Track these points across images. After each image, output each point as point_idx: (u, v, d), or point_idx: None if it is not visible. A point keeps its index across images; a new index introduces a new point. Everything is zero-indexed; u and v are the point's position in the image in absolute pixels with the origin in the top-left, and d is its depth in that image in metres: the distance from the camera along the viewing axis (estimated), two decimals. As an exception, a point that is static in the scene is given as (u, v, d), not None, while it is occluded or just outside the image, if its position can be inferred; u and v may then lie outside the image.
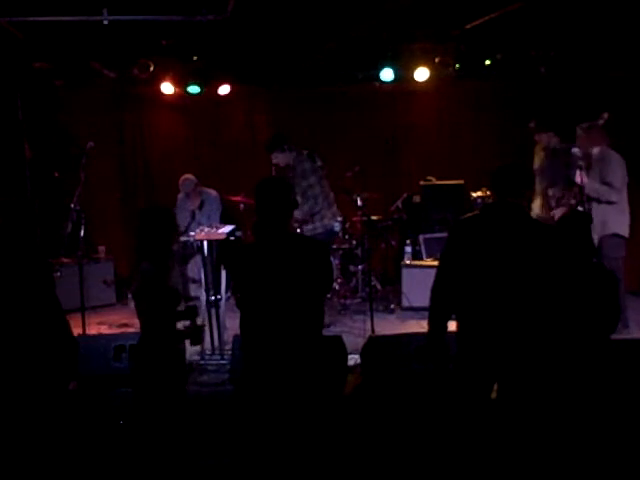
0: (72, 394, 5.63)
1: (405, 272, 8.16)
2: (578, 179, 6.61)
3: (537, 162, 7.62)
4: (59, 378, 4.24)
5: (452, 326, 4.25)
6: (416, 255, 8.40)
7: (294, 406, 4.04)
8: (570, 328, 4.23)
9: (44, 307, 4.19)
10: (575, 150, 6.69)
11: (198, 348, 6.39)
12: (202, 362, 6.30)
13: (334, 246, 8.23)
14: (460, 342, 4.17)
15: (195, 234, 6.54)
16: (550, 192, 7.34)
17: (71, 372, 4.36)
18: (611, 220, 6.55)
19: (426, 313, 4.28)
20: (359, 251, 8.40)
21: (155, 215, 4.35)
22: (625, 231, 6.66)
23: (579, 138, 6.80)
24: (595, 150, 6.70)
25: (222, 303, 6.58)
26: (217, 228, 6.67)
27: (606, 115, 6.78)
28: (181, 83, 8.89)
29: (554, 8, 7.27)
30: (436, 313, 4.22)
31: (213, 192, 8.61)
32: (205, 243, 6.48)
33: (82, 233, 7.14)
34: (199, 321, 4.66)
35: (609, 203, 6.56)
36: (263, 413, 4.07)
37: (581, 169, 6.64)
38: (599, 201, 6.58)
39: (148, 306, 4.18)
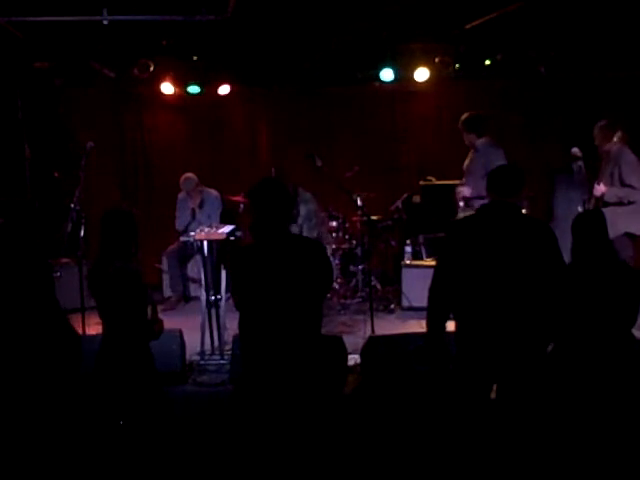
0: (72, 394, 5.63)
1: (405, 272, 8.16)
2: (597, 192, 6.59)
3: (466, 161, 7.55)
4: (62, 374, 4.25)
5: (451, 326, 4.25)
6: (416, 255, 8.39)
7: (294, 406, 4.04)
8: (588, 326, 4.21)
9: (44, 307, 4.19)
10: (575, 150, 6.69)
11: (198, 348, 6.40)
12: (202, 362, 6.30)
13: (334, 246, 8.23)
14: (459, 342, 4.17)
15: (195, 234, 6.54)
16: (458, 189, 7.33)
17: (74, 366, 4.36)
18: (622, 220, 6.53)
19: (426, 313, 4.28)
20: (359, 251, 8.40)
21: (120, 217, 4.34)
22: (638, 229, 6.68)
23: (596, 137, 6.80)
24: (614, 147, 6.69)
25: (222, 303, 6.58)
26: (217, 228, 6.67)
27: (601, 123, 6.81)
28: (181, 83, 8.89)
29: (554, 8, 7.27)
30: (434, 314, 4.23)
31: (214, 192, 8.62)
32: (205, 243, 6.48)
33: (82, 233, 7.14)
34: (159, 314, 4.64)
35: (630, 203, 6.57)
36: (263, 413, 4.07)
37: (580, 169, 6.63)
38: (621, 204, 6.58)
39: (129, 302, 4.16)
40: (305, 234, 7.29)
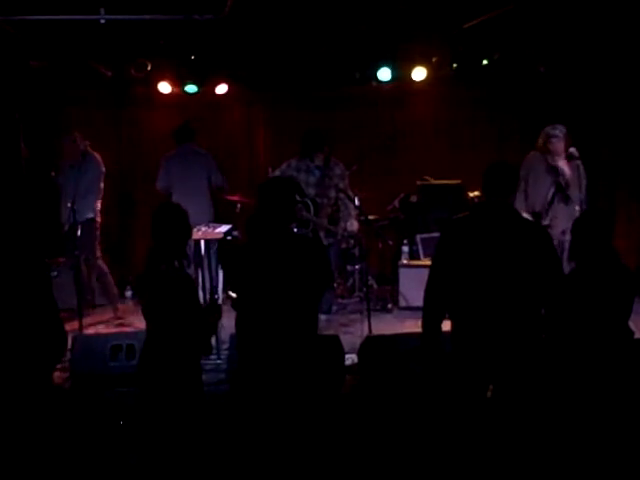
0: (67, 393, 5.63)
1: (402, 272, 8.17)
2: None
3: None
4: (46, 367, 4.19)
5: (447, 326, 4.25)
6: (413, 255, 8.41)
7: (290, 405, 4.04)
8: (587, 327, 4.21)
9: (40, 308, 4.16)
10: (572, 150, 6.68)
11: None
12: (199, 362, 6.28)
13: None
14: (454, 342, 4.17)
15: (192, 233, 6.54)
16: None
17: (57, 358, 4.25)
18: None
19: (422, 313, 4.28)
20: (356, 251, 8.40)
21: (173, 212, 4.13)
22: None
23: (559, 141, 6.78)
24: (577, 155, 6.69)
25: (219, 303, 6.56)
26: (214, 228, 6.67)
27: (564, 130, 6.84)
28: (178, 82, 8.87)
29: (551, 8, 7.28)
30: (430, 314, 4.22)
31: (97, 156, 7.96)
32: (202, 243, 6.47)
33: (78, 232, 7.13)
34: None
35: None
36: (259, 412, 4.07)
37: (578, 168, 6.63)
38: None
39: (179, 310, 3.94)
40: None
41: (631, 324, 6.47)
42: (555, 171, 6.79)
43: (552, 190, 6.80)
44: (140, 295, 4.06)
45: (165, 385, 3.96)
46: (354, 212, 7.34)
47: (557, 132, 6.80)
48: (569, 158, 6.66)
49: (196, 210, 7.48)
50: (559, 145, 6.76)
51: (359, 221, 7.48)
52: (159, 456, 3.97)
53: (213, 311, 4.18)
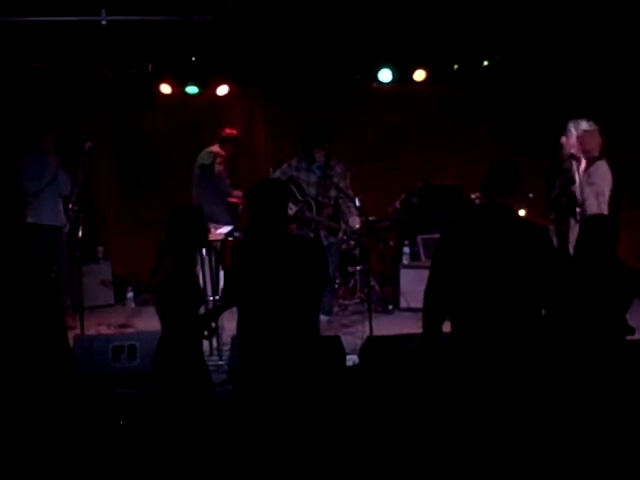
0: (69, 395, 5.63)
1: (403, 273, 8.17)
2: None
3: None
4: (54, 383, 4.20)
5: (448, 327, 4.26)
6: (414, 256, 8.40)
7: (291, 406, 4.04)
8: (582, 327, 4.22)
9: (42, 312, 4.17)
10: (572, 150, 6.64)
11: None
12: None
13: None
14: (454, 343, 4.17)
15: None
16: None
17: (67, 379, 4.30)
18: None
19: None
20: (357, 252, 8.40)
21: (188, 214, 4.21)
22: None
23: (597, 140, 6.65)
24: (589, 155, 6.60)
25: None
26: (215, 228, 6.68)
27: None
28: (179, 83, 8.89)
29: (550, 9, 7.28)
30: (430, 315, 4.22)
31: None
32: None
33: (80, 233, 7.13)
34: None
35: None
36: (260, 414, 4.08)
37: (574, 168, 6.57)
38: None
39: (171, 303, 4.04)
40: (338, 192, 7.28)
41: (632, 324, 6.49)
42: (562, 172, 6.66)
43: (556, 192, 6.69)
44: (151, 291, 4.11)
45: (180, 383, 4.01)
46: (355, 210, 7.34)
47: (590, 126, 6.49)
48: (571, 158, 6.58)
49: (220, 210, 8.41)
50: (592, 140, 6.47)
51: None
52: (168, 456, 3.99)
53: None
